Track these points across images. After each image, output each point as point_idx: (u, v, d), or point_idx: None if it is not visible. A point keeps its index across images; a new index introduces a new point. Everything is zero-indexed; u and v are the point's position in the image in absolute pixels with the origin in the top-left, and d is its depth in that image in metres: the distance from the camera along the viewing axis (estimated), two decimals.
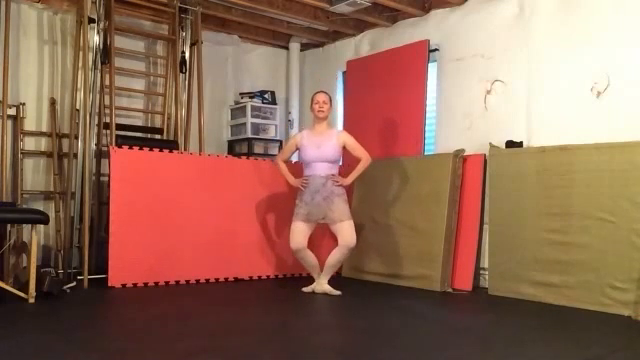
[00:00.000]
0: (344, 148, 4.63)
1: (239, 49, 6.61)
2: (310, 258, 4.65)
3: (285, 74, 6.96)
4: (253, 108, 6.39)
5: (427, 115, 5.42)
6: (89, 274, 4.66)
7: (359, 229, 5.45)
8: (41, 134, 5.29)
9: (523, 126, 4.73)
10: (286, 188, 5.14)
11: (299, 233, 4.56)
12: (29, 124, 5.22)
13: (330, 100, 4.65)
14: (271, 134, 6.50)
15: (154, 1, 5.55)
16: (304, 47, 6.87)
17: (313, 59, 6.88)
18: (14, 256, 4.41)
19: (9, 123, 5.07)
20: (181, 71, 5.66)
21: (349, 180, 4.60)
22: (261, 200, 5.32)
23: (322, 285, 4.60)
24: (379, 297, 4.51)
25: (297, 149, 4.73)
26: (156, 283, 4.72)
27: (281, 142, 6.50)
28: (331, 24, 6.04)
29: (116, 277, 4.55)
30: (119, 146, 4.77)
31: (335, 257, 4.55)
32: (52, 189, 5.25)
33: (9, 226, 4.56)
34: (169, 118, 5.69)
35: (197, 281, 4.92)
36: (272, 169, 5.40)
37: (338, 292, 4.50)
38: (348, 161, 4.99)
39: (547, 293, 4.24)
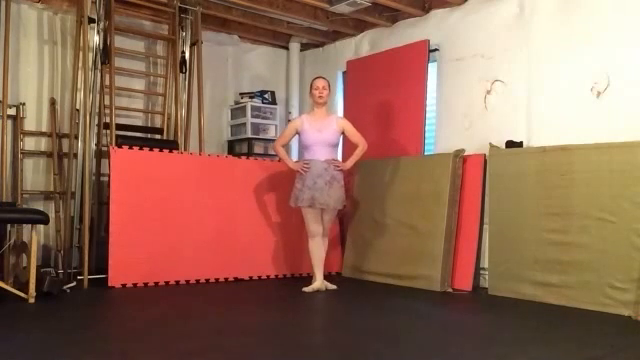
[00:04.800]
0: (343, 134, 4.76)
1: (239, 49, 6.62)
2: (322, 250, 4.72)
3: (285, 74, 6.96)
4: (253, 108, 6.40)
5: (427, 115, 5.42)
6: (89, 274, 4.66)
7: (358, 228, 5.49)
8: (41, 134, 5.29)
9: (523, 126, 4.73)
10: (286, 188, 5.13)
11: (312, 219, 4.65)
12: (29, 124, 5.22)
13: (329, 85, 4.76)
14: (271, 134, 6.50)
15: (154, 1, 5.56)
16: (304, 47, 6.88)
17: (313, 59, 6.88)
18: (14, 256, 4.41)
19: (9, 123, 5.08)
20: (181, 71, 5.66)
21: (349, 164, 4.71)
22: (261, 200, 5.32)
23: (323, 282, 4.71)
24: (379, 297, 4.51)
25: (297, 133, 4.77)
26: (156, 283, 4.72)
27: None
28: (331, 24, 6.04)
29: (116, 277, 4.55)
30: (119, 146, 4.78)
31: (324, 251, 4.76)
32: (52, 189, 5.25)
33: (9, 226, 4.56)
34: (169, 118, 5.70)
35: (197, 281, 4.91)
36: (272, 169, 5.41)
37: (334, 286, 4.73)
38: (346, 147, 5.02)
39: (547, 293, 4.24)
